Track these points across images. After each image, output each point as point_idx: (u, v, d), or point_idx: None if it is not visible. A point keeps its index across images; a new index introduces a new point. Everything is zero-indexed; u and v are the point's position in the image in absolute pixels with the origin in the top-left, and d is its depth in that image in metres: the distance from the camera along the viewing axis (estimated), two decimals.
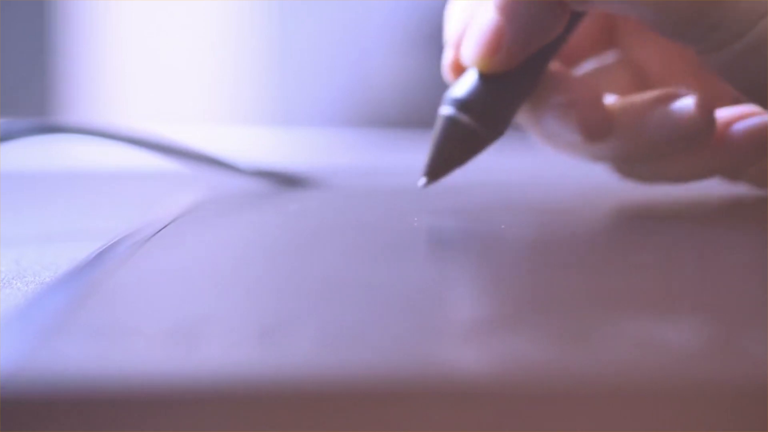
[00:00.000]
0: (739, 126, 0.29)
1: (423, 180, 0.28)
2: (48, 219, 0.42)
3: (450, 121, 0.28)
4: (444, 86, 0.30)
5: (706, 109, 0.28)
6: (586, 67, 0.33)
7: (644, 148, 0.29)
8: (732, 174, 0.31)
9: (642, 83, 0.32)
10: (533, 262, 0.22)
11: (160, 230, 0.24)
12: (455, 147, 0.28)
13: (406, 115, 1.35)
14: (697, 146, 0.29)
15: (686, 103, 0.28)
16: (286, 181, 0.39)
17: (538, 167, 0.31)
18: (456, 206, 0.28)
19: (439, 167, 0.28)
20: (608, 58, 0.33)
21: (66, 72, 1.52)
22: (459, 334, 0.15)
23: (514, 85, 0.29)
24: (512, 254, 0.23)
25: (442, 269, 0.21)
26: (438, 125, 0.28)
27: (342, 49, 1.51)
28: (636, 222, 0.28)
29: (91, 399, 0.13)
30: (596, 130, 0.29)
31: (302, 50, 1.51)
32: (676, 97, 0.28)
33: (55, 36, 1.51)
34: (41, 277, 0.26)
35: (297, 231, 0.27)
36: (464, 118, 0.28)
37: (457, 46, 0.30)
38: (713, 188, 0.32)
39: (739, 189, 0.32)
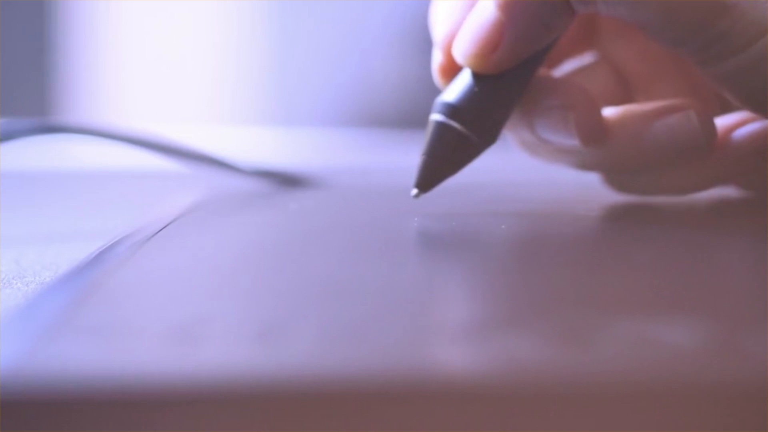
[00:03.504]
0: (740, 133, 0.28)
1: (414, 191, 0.27)
2: (48, 219, 0.42)
3: (441, 128, 0.27)
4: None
5: (709, 122, 0.28)
6: (566, 68, 0.32)
7: (642, 159, 0.29)
8: (731, 181, 0.31)
9: (623, 84, 0.32)
10: (532, 262, 0.22)
11: (160, 230, 0.24)
12: (447, 155, 0.27)
13: (405, 115, 1.35)
14: (698, 159, 0.28)
15: (689, 116, 0.28)
16: (286, 181, 0.39)
17: (534, 166, 0.31)
18: (455, 206, 0.28)
19: (430, 177, 0.27)
20: (587, 59, 0.32)
21: (66, 72, 1.52)
22: (458, 334, 0.15)
23: (508, 89, 0.28)
24: (511, 254, 0.23)
25: (441, 269, 0.21)
26: (428, 132, 0.27)
27: (342, 49, 1.51)
28: (634, 222, 0.28)
29: (90, 399, 0.13)
30: (594, 134, 0.28)
31: (302, 50, 1.51)
32: (677, 109, 0.28)
33: (55, 36, 1.51)
34: (41, 277, 0.26)
35: (297, 231, 0.27)
36: (456, 124, 0.27)
37: (447, 48, 0.29)
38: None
39: (736, 190, 0.32)
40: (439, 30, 0.30)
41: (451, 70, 0.29)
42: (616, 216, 0.29)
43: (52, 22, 1.50)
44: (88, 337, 0.14)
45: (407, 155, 0.28)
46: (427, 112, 0.28)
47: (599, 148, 0.28)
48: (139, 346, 0.14)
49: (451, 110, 0.27)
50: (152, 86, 1.52)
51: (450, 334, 0.15)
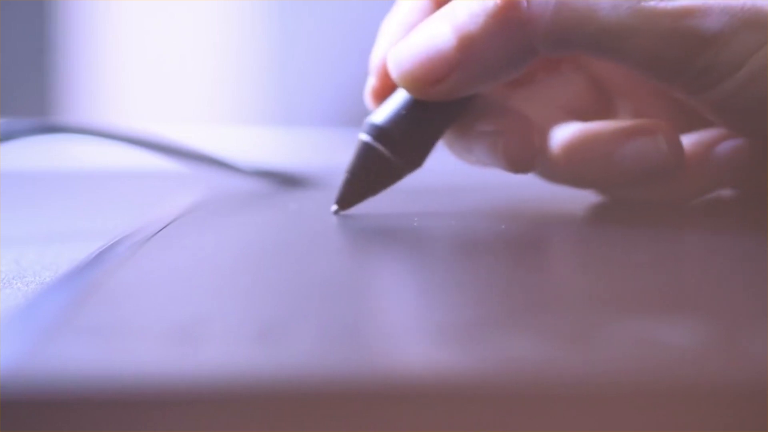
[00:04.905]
0: (721, 149, 0.28)
1: (334, 207, 0.27)
2: (48, 219, 0.42)
3: (366, 149, 0.27)
4: None
5: (677, 144, 0.28)
6: (541, 79, 0.32)
7: (610, 179, 0.29)
8: (715, 191, 0.31)
9: (601, 95, 0.31)
10: (532, 262, 0.22)
11: (160, 230, 0.24)
12: (369, 176, 0.27)
13: None
14: (666, 179, 0.28)
15: (657, 140, 0.27)
16: (286, 181, 0.39)
17: None
18: (455, 206, 0.28)
19: (350, 195, 0.27)
20: (564, 67, 0.32)
21: (66, 72, 1.52)
22: (458, 334, 0.15)
23: (440, 115, 0.27)
24: (511, 254, 0.23)
25: (441, 269, 0.21)
26: (355, 151, 0.27)
27: (342, 49, 1.51)
28: (632, 222, 0.28)
29: (90, 399, 0.13)
30: (522, 162, 0.27)
31: (302, 50, 1.51)
32: (645, 131, 0.28)
33: (55, 36, 1.51)
34: (41, 277, 0.26)
35: (297, 231, 0.27)
36: (380, 147, 0.26)
37: (382, 72, 0.28)
38: None
39: (731, 190, 0.32)
40: (377, 53, 0.29)
41: (383, 93, 0.28)
42: (614, 216, 0.29)
43: (52, 22, 1.50)
44: (88, 337, 0.14)
45: None
46: None
47: (527, 173, 0.28)
48: (139, 346, 0.14)
49: (378, 132, 0.27)
50: (152, 86, 1.52)
51: (450, 334, 0.15)
